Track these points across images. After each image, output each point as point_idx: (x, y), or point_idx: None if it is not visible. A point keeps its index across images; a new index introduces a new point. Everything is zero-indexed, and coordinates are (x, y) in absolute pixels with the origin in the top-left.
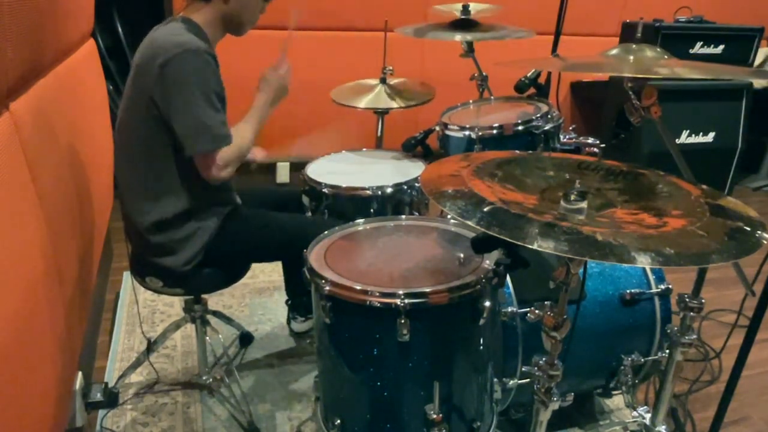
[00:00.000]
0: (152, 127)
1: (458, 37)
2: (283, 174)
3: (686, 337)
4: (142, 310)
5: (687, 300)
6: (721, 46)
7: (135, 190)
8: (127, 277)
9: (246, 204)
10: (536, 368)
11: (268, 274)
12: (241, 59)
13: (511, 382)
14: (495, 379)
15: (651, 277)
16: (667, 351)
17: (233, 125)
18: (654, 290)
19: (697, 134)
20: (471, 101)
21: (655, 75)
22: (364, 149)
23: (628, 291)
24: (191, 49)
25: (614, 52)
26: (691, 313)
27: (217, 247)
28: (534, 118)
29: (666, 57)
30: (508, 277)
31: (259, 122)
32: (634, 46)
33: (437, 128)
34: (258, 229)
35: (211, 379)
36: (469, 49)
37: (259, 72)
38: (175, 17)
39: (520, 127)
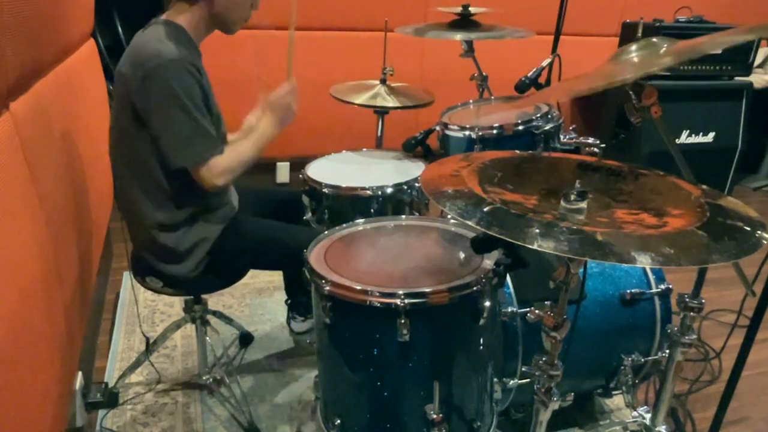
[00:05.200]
0: (139, 137)
1: (458, 36)
2: (283, 174)
3: (686, 337)
4: (142, 310)
5: (687, 300)
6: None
7: (135, 195)
8: (127, 277)
9: (246, 204)
10: (536, 368)
11: (268, 273)
12: (234, 58)
13: (511, 382)
14: (495, 379)
15: (651, 277)
16: (667, 351)
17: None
18: (654, 290)
19: (697, 134)
20: (471, 101)
21: (660, 65)
22: (364, 149)
23: (628, 291)
24: (168, 60)
25: (622, 57)
26: (691, 313)
27: (220, 256)
28: (534, 118)
29: (667, 45)
30: (508, 277)
31: (263, 143)
32: (634, 45)
33: (437, 128)
34: (260, 240)
35: (211, 379)
36: (469, 48)
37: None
38: (158, 20)
39: (520, 127)
